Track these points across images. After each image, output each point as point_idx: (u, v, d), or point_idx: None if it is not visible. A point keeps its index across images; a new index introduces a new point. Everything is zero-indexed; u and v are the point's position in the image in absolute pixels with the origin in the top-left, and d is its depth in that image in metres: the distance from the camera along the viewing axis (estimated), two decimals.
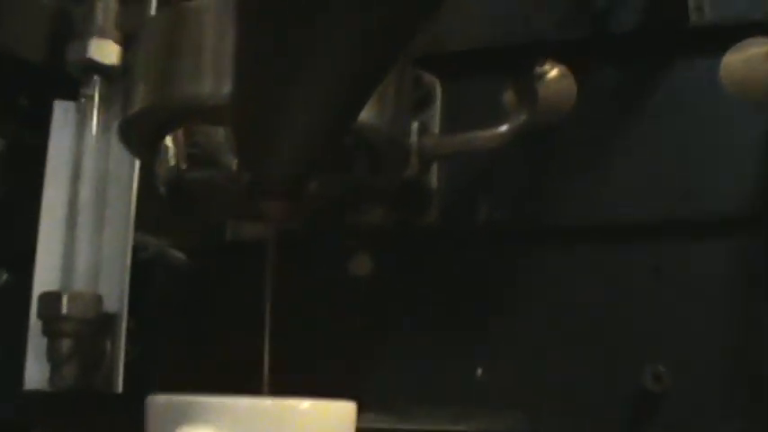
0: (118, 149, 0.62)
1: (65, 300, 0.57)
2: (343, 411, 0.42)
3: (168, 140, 0.45)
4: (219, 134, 0.44)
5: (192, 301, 0.62)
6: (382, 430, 0.55)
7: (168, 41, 0.43)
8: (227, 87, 0.41)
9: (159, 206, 0.55)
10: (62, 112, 0.63)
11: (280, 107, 0.32)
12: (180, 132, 0.45)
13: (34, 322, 0.60)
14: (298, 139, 0.34)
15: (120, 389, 0.57)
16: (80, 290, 0.59)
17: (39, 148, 0.62)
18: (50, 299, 0.57)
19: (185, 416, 0.39)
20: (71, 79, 0.62)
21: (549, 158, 0.56)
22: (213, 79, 0.42)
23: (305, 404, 0.41)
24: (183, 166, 0.45)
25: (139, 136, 0.46)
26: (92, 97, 0.62)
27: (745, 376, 0.50)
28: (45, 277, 0.60)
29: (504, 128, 0.53)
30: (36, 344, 0.60)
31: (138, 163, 0.61)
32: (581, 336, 0.53)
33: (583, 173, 0.55)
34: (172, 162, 0.45)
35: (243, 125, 0.35)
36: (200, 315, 0.61)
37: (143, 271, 0.61)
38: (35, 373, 0.60)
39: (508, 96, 0.57)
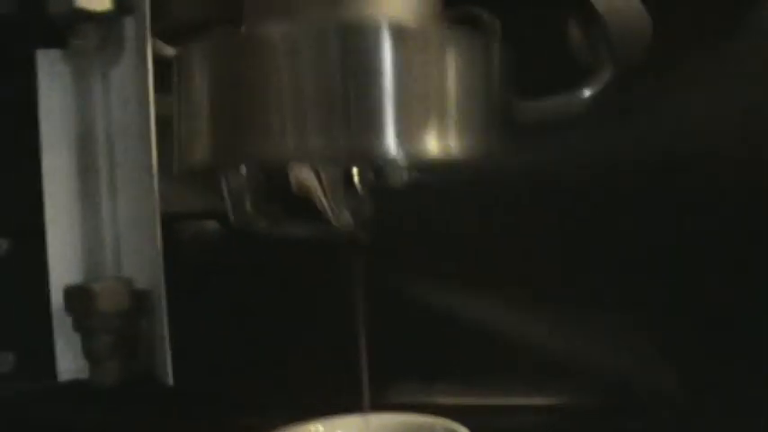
0: (124, 100, 0.54)
1: (96, 294, 0.51)
2: None
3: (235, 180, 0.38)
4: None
5: (228, 274, 0.56)
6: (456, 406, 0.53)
7: (236, 79, 0.35)
8: (312, 143, 0.35)
9: None
10: (48, 64, 0.53)
11: None
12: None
13: (57, 309, 0.54)
14: None
15: (171, 380, 0.53)
16: (108, 276, 0.53)
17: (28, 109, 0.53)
18: (79, 294, 0.51)
19: None
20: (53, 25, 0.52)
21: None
22: (295, 135, 0.35)
23: None
24: (252, 209, 0.39)
25: (200, 178, 0.39)
26: (84, 46, 0.52)
27: None
28: (61, 260, 0.54)
29: (587, 93, 0.47)
30: (63, 331, 0.54)
31: (153, 112, 0.52)
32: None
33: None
34: (245, 206, 0.38)
35: None
36: (237, 290, 0.56)
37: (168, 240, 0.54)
38: (68, 362, 0.55)
39: (574, 33, 0.50)
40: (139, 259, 0.53)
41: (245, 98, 0.35)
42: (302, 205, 0.38)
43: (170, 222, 0.54)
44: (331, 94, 0.34)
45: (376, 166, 0.37)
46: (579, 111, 0.46)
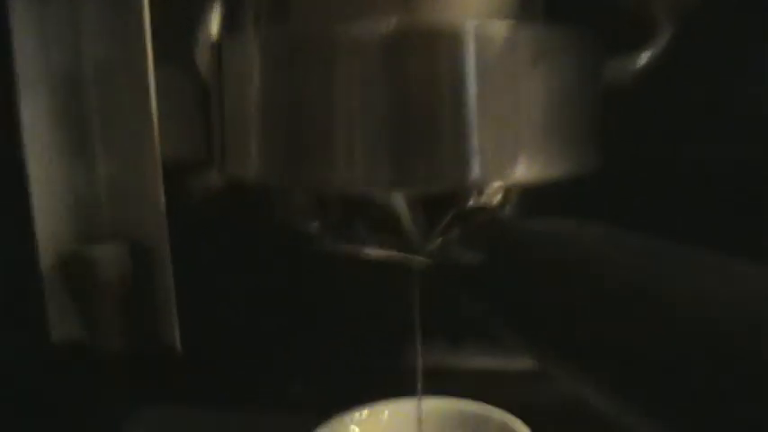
0: (114, 32, 0.46)
1: (95, 262, 0.46)
2: None
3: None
4: None
5: (236, 228, 0.51)
6: None
7: (292, 87, 0.29)
8: (383, 171, 0.30)
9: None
10: None
11: None
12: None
13: (47, 271, 0.48)
14: None
15: (179, 344, 0.49)
16: (106, 235, 0.47)
17: None
18: (76, 262, 0.46)
19: None
20: None
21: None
22: (363, 161, 0.29)
23: None
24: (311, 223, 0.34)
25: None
26: None
27: None
28: (50, 218, 0.48)
29: (645, 55, 0.41)
30: (56, 293, 0.49)
31: (150, 51, 0.45)
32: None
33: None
34: (299, 221, 0.33)
35: None
36: (245, 244, 0.51)
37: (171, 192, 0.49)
38: (61, 322, 0.50)
39: None
40: (140, 215, 0.48)
41: (303, 112, 0.30)
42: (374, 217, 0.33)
43: (173, 172, 0.48)
44: (406, 110, 0.29)
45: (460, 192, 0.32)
46: (635, 73, 0.42)
